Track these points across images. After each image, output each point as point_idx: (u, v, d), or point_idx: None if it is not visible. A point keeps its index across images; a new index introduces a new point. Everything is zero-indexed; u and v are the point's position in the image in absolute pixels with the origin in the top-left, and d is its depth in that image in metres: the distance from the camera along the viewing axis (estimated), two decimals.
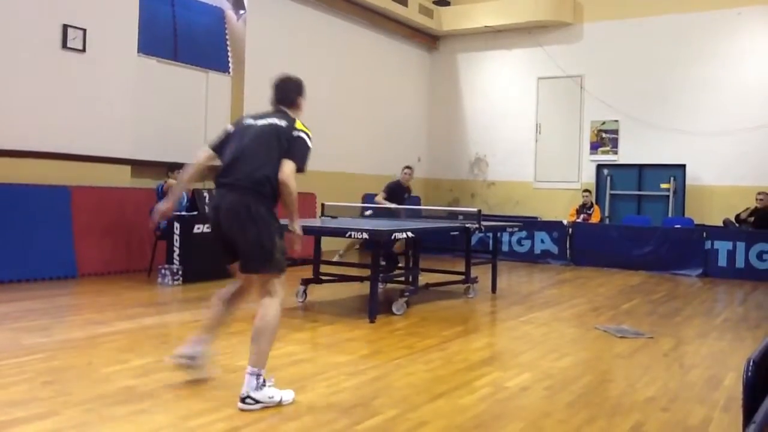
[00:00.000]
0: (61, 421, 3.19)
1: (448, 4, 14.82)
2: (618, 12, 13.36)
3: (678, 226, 11.39)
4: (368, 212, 9.13)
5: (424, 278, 7.54)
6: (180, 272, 7.66)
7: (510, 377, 4.26)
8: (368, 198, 12.37)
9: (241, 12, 10.92)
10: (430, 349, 4.92)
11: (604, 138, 13.62)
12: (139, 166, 8.96)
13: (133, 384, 3.77)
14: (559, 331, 5.90)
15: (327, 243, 7.64)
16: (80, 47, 8.27)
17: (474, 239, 8.94)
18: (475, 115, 15.03)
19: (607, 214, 12.95)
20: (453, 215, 9.95)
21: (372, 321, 5.81)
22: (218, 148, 3.81)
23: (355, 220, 7.73)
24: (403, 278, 7.52)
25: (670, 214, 12.40)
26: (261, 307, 3.62)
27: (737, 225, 11.17)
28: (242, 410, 3.41)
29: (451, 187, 15.26)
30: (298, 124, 3.78)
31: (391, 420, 3.36)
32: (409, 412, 3.50)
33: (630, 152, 13.28)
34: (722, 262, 10.20)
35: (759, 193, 11.08)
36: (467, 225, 7.17)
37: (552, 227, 11.64)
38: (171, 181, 7.84)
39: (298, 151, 3.68)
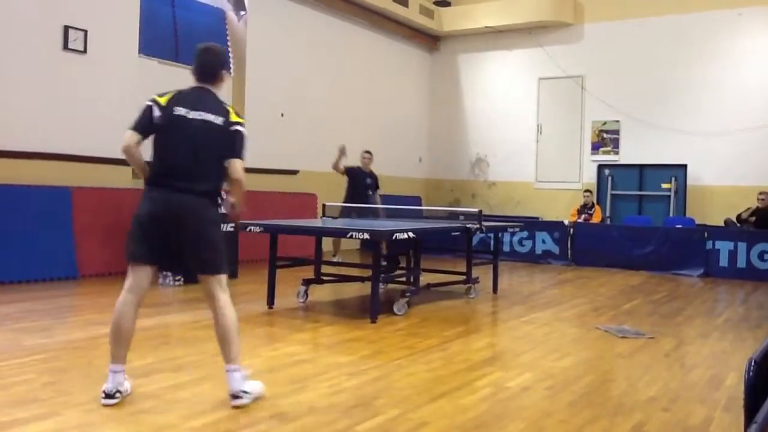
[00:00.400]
0: (62, 421, 3.19)
1: (448, 4, 14.83)
2: (619, 12, 13.37)
3: (679, 226, 11.39)
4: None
5: (425, 278, 7.55)
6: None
7: (511, 377, 4.25)
8: None
9: (242, 13, 10.92)
10: (432, 350, 4.92)
11: (605, 138, 13.62)
12: None
13: (134, 385, 3.76)
14: (561, 331, 5.90)
15: (328, 243, 7.66)
16: (81, 48, 8.28)
17: (475, 239, 8.93)
18: (475, 115, 15.04)
19: (608, 214, 12.95)
20: (454, 215, 9.95)
21: (373, 321, 5.81)
22: (144, 131, 3.59)
23: (357, 221, 7.73)
24: (404, 278, 7.52)
25: (671, 214, 12.40)
26: (220, 307, 3.58)
27: (738, 225, 11.17)
28: (238, 406, 3.43)
29: (452, 188, 15.27)
30: (233, 116, 3.72)
31: (392, 420, 3.36)
32: (411, 412, 3.49)
33: (631, 152, 13.28)
34: (723, 262, 10.19)
35: (760, 193, 11.08)
36: (468, 225, 7.16)
37: (553, 227, 11.64)
38: None
39: (240, 147, 3.77)
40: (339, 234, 7.35)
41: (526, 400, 3.81)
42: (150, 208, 3.55)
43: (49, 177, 7.87)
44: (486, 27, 14.33)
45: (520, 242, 11.70)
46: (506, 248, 11.46)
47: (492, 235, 8.72)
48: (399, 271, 7.69)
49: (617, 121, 13.46)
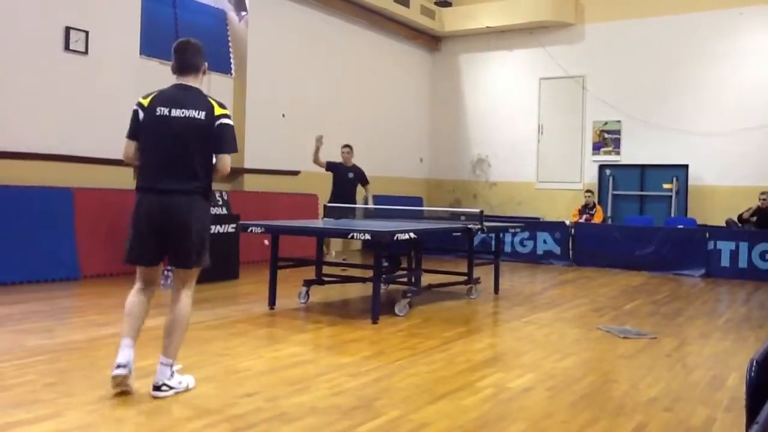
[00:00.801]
0: (64, 422, 3.19)
1: (449, 4, 14.83)
2: (620, 12, 13.36)
3: (680, 226, 11.38)
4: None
5: (426, 279, 7.55)
6: None
7: (512, 378, 4.25)
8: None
9: (243, 13, 10.94)
10: (433, 350, 4.92)
11: (607, 138, 13.61)
12: None
13: (136, 385, 3.77)
14: (562, 331, 5.89)
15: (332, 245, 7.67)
16: (82, 49, 8.29)
17: (476, 240, 8.94)
18: (477, 115, 15.04)
19: (609, 214, 12.95)
20: (455, 216, 9.94)
21: (374, 322, 5.81)
22: (137, 137, 3.71)
23: (357, 221, 7.73)
24: (405, 279, 7.52)
25: (672, 215, 12.39)
26: (179, 300, 3.70)
27: (740, 225, 11.16)
28: (156, 398, 3.54)
29: (453, 188, 15.27)
30: (217, 110, 3.70)
31: (393, 421, 3.36)
32: (412, 413, 3.50)
33: (632, 152, 13.27)
34: (725, 262, 10.18)
35: (762, 193, 11.08)
36: (469, 226, 7.16)
37: (554, 228, 11.63)
38: None
39: (228, 140, 3.72)
40: (340, 235, 7.35)
41: (527, 400, 3.81)
42: (143, 212, 3.65)
43: (51, 178, 7.88)
44: (487, 27, 14.33)
45: (521, 243, 11.70)
46: (507, 249, 11.47)
47: (493, 235, 8.72)
48: (400, 272, 7.69)
49: (618, 121, 13.46)
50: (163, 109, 3.64)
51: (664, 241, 10.67)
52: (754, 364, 1.81)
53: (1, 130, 7.54)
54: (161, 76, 9.48)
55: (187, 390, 3.69)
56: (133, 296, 3.71)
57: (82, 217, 7.93)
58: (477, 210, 7.64)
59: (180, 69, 3.76)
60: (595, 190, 13.05)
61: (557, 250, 11.44)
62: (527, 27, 14.13)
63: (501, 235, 9.33)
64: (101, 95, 8.48)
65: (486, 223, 7.26)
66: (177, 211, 3.62)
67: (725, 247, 10.21)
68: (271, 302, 6.42)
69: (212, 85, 10.38)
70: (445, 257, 9.93)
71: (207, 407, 3.47)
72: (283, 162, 11.19)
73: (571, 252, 11.37)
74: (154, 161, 3.65)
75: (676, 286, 9.21)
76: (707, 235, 10.43)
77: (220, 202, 8.60)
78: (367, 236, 5.79)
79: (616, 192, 13.20)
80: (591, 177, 13.54)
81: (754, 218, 11.00)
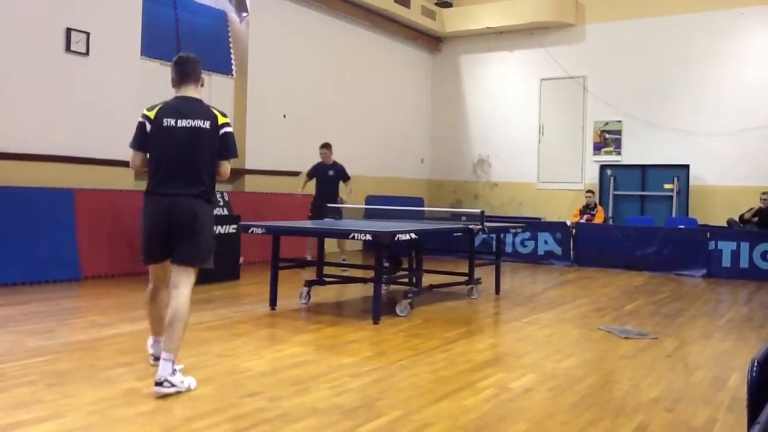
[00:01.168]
0: (65, 423, 3.19)
1: (450, 5, 14.83)
2: (620, 12, 13.36)
3: (681, 226, 11.37)
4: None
5: (427, 279, 7.55)
6: None
7: (514, 378, 4.25)
8: (372, 200, 12.40)
9: (244, 14, 10.95)
10: (434, 351, 4.92)
11: (607, 138, 13.61)
12: None
13: (137, 386, 3.77)
14: (563, 331, 5.89)
15: (330, 245, 7.67)
16: (83, 50, 8.30)
17: (477, 240, 8.94)
18: (477, 116, 15.04)
19: (610, 214, 12.94)
20: (456, 216, 9.95)
21: (376, 322, 5.81)
22: (144, 147, 3.90)
23: (357, 222, 7.73)
24: (406, 280, 7.52)
25: (673, 215, 12.39)
26: (179, 295, 3.80)
27: (741, 225, 11.16)
28: (158, 393, 3.57)
29: (454, 189, 15.27)
30: (220, 119, 3.93)
31: (394, 421, 3.36)
32: (413, 413, 3.50)
33: (633, 153, 13.27)
34: (726, 262, 10.17)
35: (763, 193, 11.08)
36: (470, 226, 7.16)
37: (555, 228, 11.63)
38: None
39: (230, 147, 3.96)
40: (341, 235, 7.35)
41: (528, 401, 3.81)
42: (150, 212, 3.87)
43: (52, 179, 7.89)
44: (488, 28, 14.33)
45: (522, 243, 11.69)
46: (508, 249, 11.46)
47: (494, 235, 8.71)
48: (401, 272, 7.69)
49: (619, 122, 13.46)
50: (169, 120, 3.85)
51: (666, 242, 10.67)
52: (756, 364, 1.81)
53: (2, 131, 7.54)
54: (162, 76, 9.51)
55: (188, 390, 3.70)
56: (149, 303, 4.08)
57: (83, 217, 7.93)
58: (478, 210, 7.64)
59: (181, 81, 3.96)
60: (596, 190, 13.05)
61: (558, 250, 11.43)
62: (528, 27, 14.14)
63: (502, 235, 9.33)
64: (102, 96, 8.49)
65: (487, 224, 7.26)
66: (183, 209, 3.81)
67: (726, 247, 10.20)
68: (273, 303, 6.42)
69: (213, 86, 10.40)
70: (446, 258, 9.93)
71: (209, 408, 3.47)
72: (284, 163, 11.19)
73: (572, 252, 11.36)
74: (163, 169, 3.85)
75: (678, 286, 9.20)
76: (708, 235, 10.42)
77: (221, 203, 8.62)
78: (368, 237, 5.79)
79: (617, 192, 13.20)
80: (592, 177, 13.54)
81: (756, 218, 11.00)
